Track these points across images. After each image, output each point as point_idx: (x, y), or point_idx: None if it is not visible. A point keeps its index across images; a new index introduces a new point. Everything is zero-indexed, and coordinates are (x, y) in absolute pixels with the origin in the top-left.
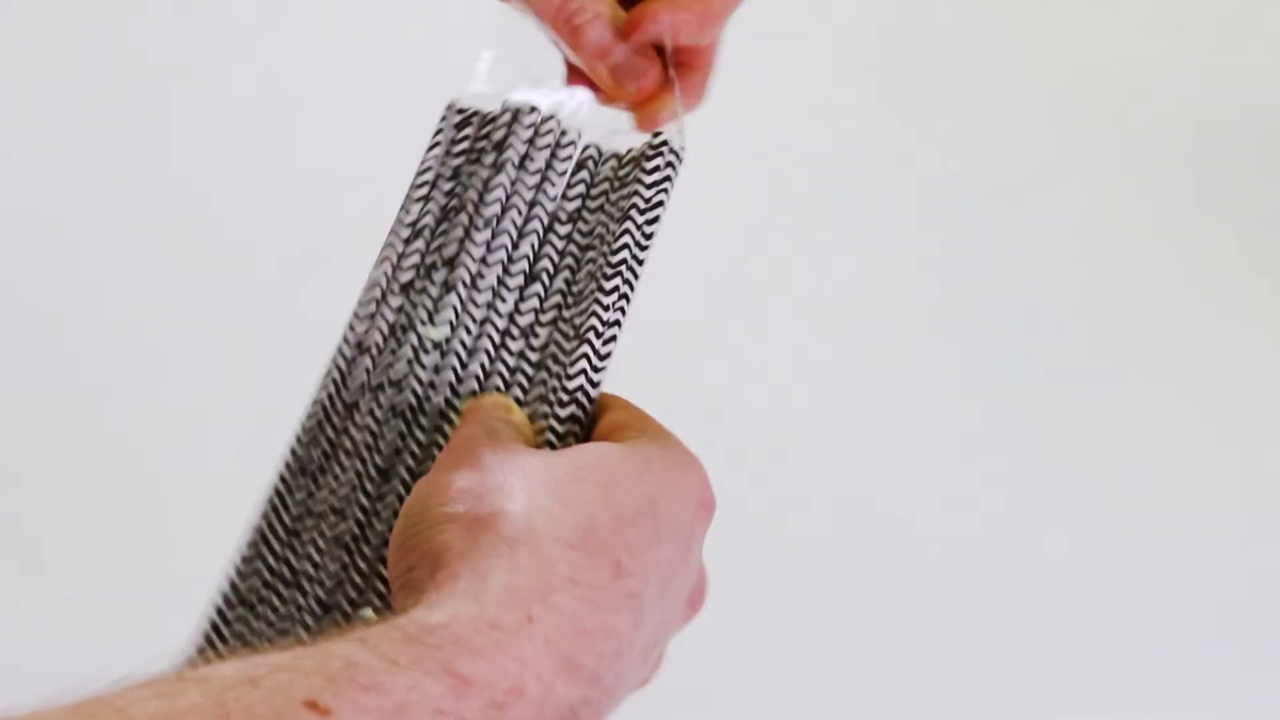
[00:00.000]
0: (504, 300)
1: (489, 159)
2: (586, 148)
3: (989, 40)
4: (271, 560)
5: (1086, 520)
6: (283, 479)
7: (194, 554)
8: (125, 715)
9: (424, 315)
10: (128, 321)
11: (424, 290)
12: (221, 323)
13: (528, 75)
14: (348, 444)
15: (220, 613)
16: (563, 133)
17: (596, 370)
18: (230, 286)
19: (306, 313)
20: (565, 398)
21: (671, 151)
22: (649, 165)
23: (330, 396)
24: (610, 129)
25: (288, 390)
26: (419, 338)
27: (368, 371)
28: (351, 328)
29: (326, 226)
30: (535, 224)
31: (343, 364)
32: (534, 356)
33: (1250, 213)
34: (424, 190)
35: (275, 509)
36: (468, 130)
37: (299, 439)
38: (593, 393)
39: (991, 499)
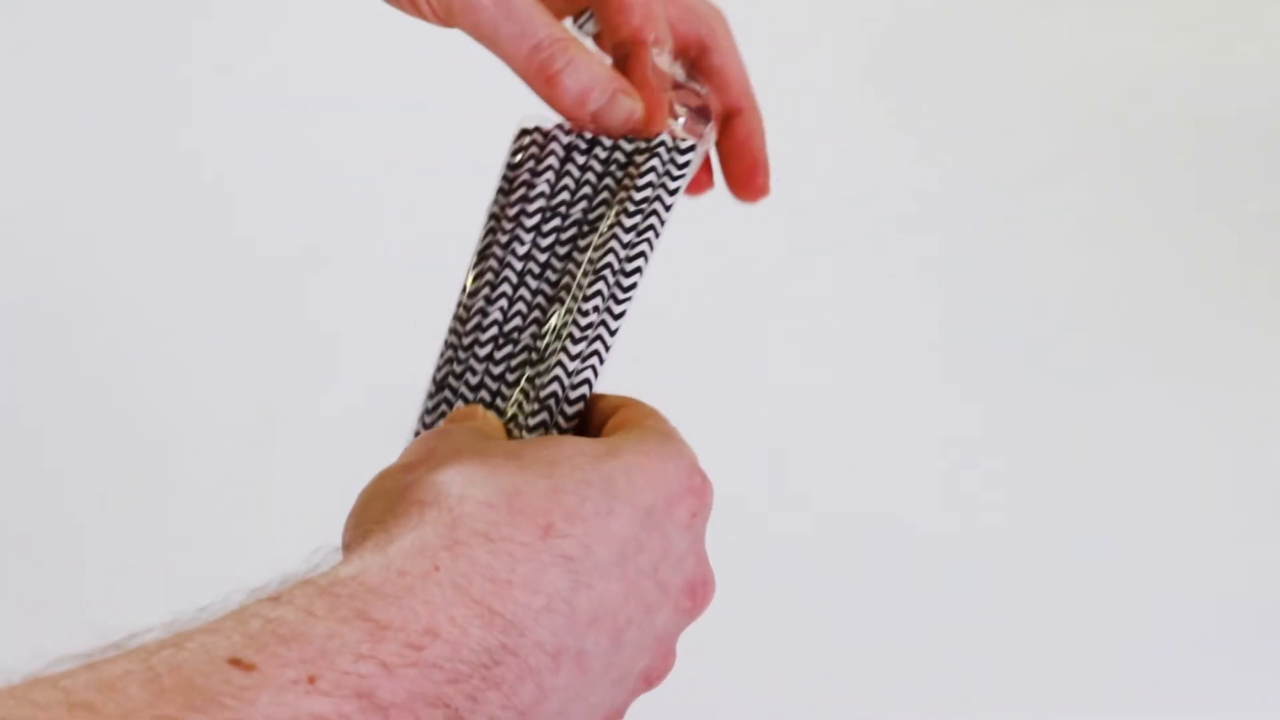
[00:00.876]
0: (495, 310)
1: (496, 190)
2: (575, 143)
3: (989, 40)
4: None
5: (1086, 520)
6: None
7: (193, 554)
8: (59, 687)
9: (445, 349)
10: (128, 321)
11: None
12: (221, 322)
13: None
14: None
15: None
16: (558, 136)
17: (572, 375)
18: (230, 286)
19: (307, 312)
20: (536, 407)
21: (670, 150)
22: (643, 166)
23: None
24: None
25: (288, 390)
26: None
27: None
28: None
29: (326, 226)
30: (524, 226)
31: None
32: (515, 360)
33: (1250, 213)
34: (491, 219)
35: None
36: (515, 155)
37: None
38: (573, 396)
39: (991, 499)
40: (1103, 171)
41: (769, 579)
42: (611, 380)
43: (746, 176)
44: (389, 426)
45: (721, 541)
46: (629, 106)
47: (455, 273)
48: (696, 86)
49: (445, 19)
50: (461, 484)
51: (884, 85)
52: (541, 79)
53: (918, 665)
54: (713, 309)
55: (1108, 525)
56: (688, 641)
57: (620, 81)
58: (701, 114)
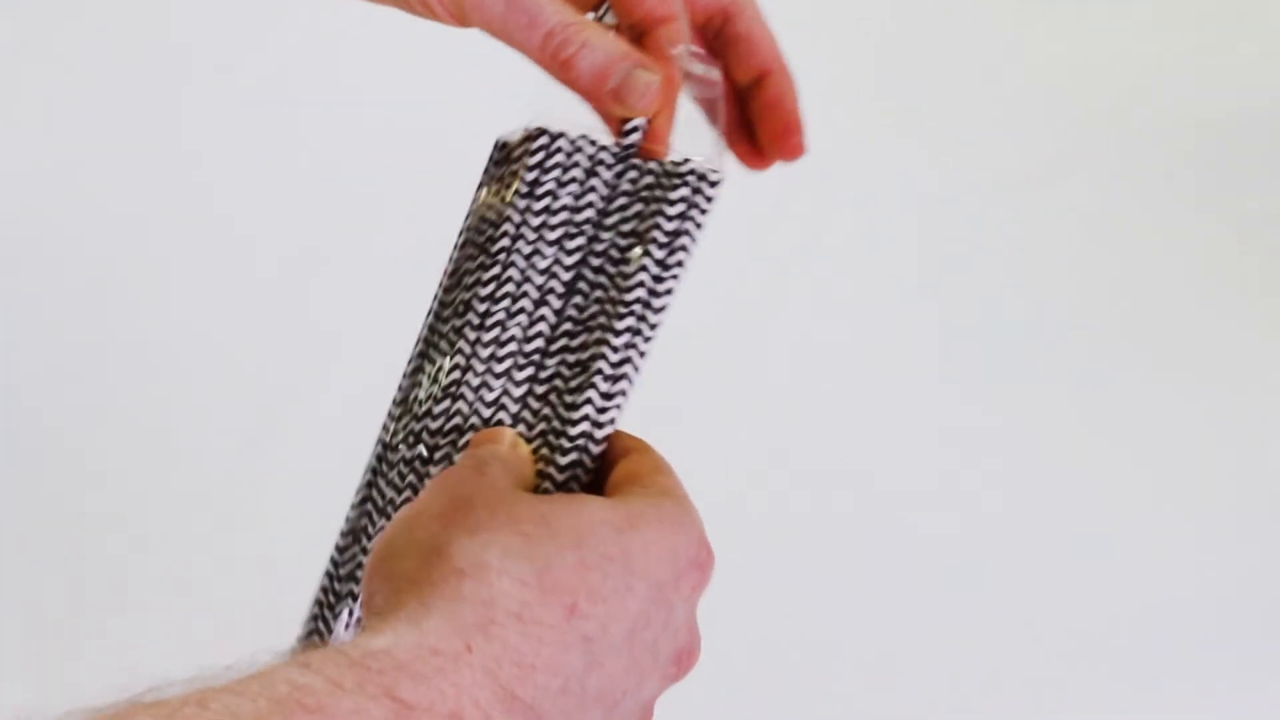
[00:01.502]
0: (512, 328)
1: (505, 183)
2: (602, 155)
3: (989, 40)
4: (321, 599)
5: (1086, 520)
6: (351, 510)
7: (193, 555)
8: None
9: (445, 346)
10: (127, 321)
11: (449, 322)
12: (221, 322)
13: (570, 111)
14: (379, 483)
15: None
16: (574, 145)
17: (603, 413)
18: (230, 286)
19: (307, 312)
20: (566, 444)
21: (700, 178)
22: (673, 195)
23: (381, 437)
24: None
25: (288, 390)
26: (435, 369)
27: (397, 411)
28: (400, 379)
29: (327, 226)
30: (547, 239)
31: (395, 402)
32: (540, 389)
33: (1250, 213)
34: (464, 235)
35: (342, 532)
36: (500, 160)
37: (364, 476)
38: (599, 435)
39: (992, 499)
40: (1103, 171)
41: (769, 578)
42: None
43: (781, 136)
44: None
45: (721, 541)
46: (646, 79)
47: None
48: (707, 73)
49: (460, 19)
50: (499, 557)
51: (884, 85)
52: (557, 64)
53: (918, 663)
54: (712, 309)
55: (1108, 525)
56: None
57: (636, 56)
58: (710, 107)
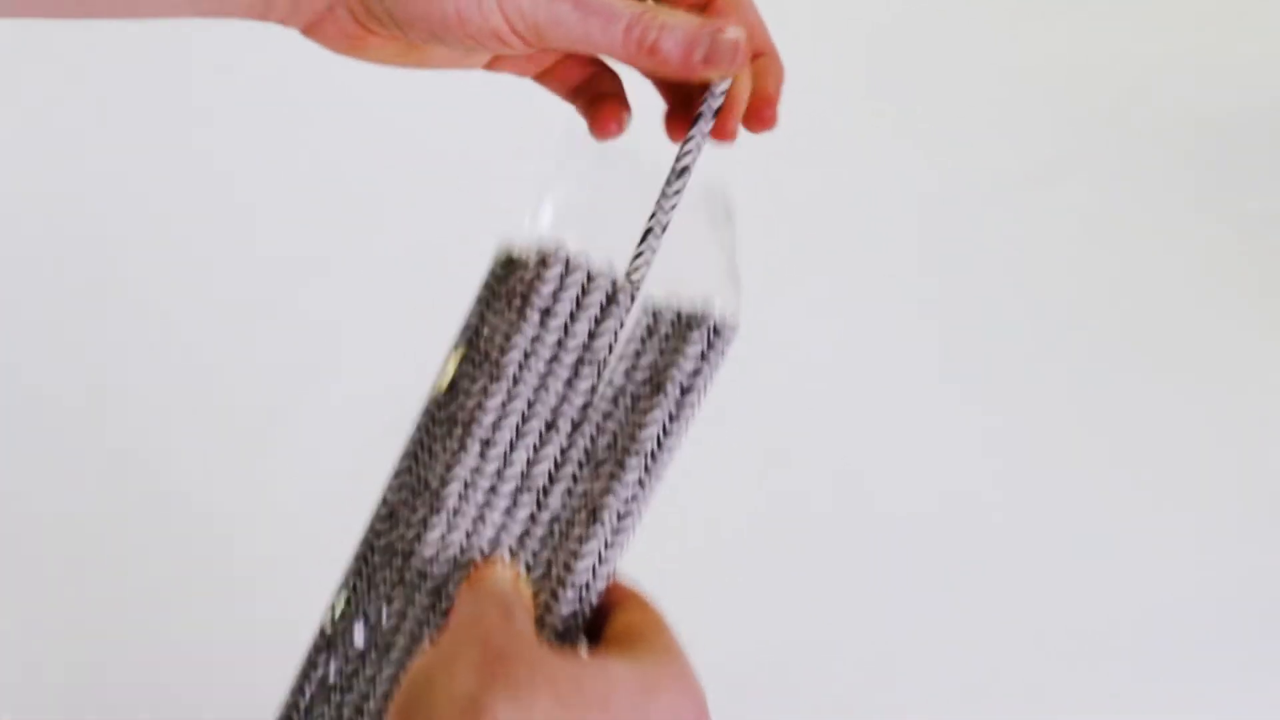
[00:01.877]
0: (518, 454)
1: (515, 305)
2: (619, 290)
3: (988, 40)
4: None
5: (1087, 520)
6: (315, 644)
7: (192, 555)
8: None
9: (440, 472)
10: (126, 322)
11: (444, 444)
12: (221, 322)
13: (582, 218)
14: (366, 610)
15: None
16: (601, 280)
17: (604, 563)
18: (230, 286)
19: (307, 312)
20: (569, 592)
21: (718, 329)
22: (691, 338)
23: (358, 559)
24: (670, 285)
25: (288, 390)
26: (431, 496)
27: (380, 533)
28: (385, 489)
29: (327, 226)
30: (559, 371)
31: (375, 527)
32: (542, 527)
33: (1250, 213)
34: (463, 344)
35: (305, 676)
36: (507, 277)
37: (333, 602)
38: (601, 585)
39: (991, 498)
40: (1103, 171)
41: (767, 578)
42: None
43: (756, 109)
44: (389, 426)
45: (721, 541)
46: (732, 35)
47: (455, 273)
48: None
49: (537, 41)
50: None
51: (883, 85)
52: (644, 52)
53: (917, 663)
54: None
55: (1108, 525)
56: (687, 639)
57: (711, 23)
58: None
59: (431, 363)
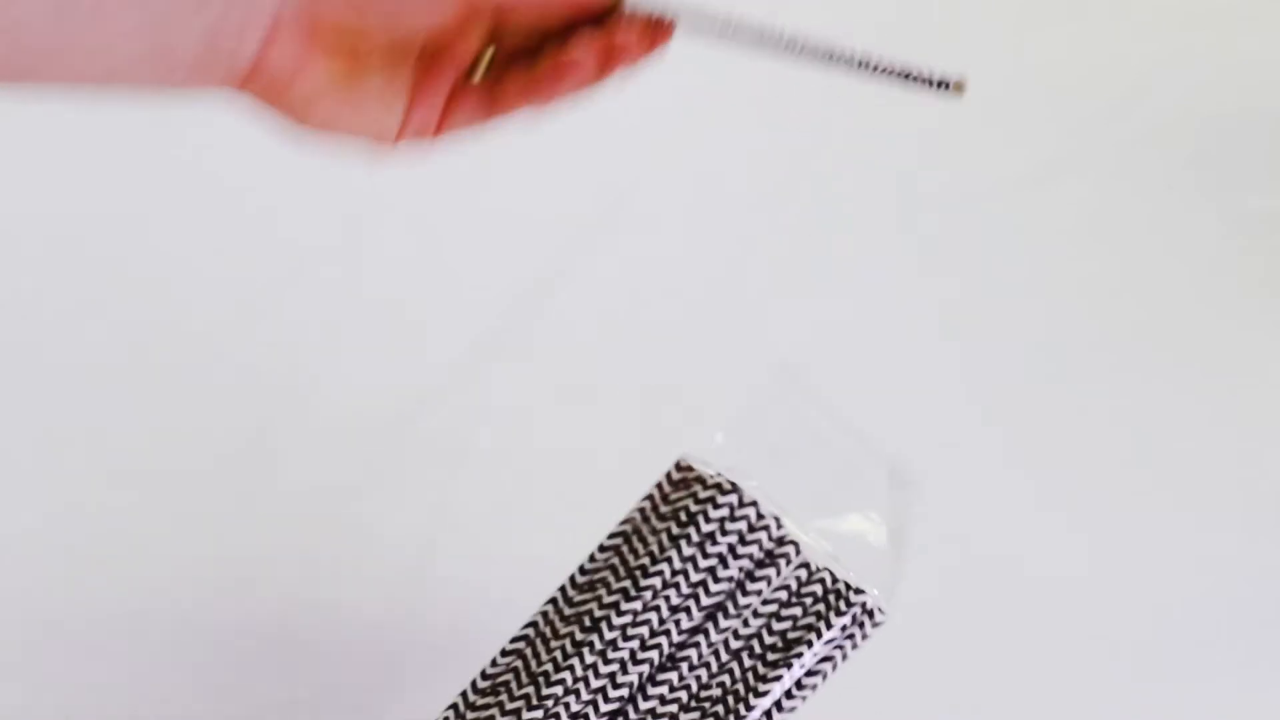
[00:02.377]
0: (626, 674)
1: (680, 520)
2: (785, 542)
3: (988, 40)
4: None
5: (1088, 520)
6: None
7: (191, 558)
8: None
9: (549, 668)
10: (125, 322)
11: (563, 642)
12: (217, 325)
13: (765, 453)
14: None
15: None
16: (760, 521)
17: None
18: (228, 286)
19: (304, 316)
20: None
21: (867, 613)
22: (836, 619)
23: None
24: (831, 550)
25: (283, 395)
26: (534, 687)
27: (473, 703)
28: (498, 653)
29: (326, 226)
30: (701, 600)
31: (479, 686)
32: None
33: (1250, 213)
34: (615, 540)
35: None
36: (675, 483)
37: None
38: None
39: (991, 498)
40: (1103, 171)
41: None
42: (607, 368)
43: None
44: (387, 431)
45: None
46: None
47: (455, 273)
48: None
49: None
50: None
51: (882, 85)
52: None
53: (915, 663)
54: (710, 309)
55: (1109, 524)
56: None
57: None
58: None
59: (431, 370)
